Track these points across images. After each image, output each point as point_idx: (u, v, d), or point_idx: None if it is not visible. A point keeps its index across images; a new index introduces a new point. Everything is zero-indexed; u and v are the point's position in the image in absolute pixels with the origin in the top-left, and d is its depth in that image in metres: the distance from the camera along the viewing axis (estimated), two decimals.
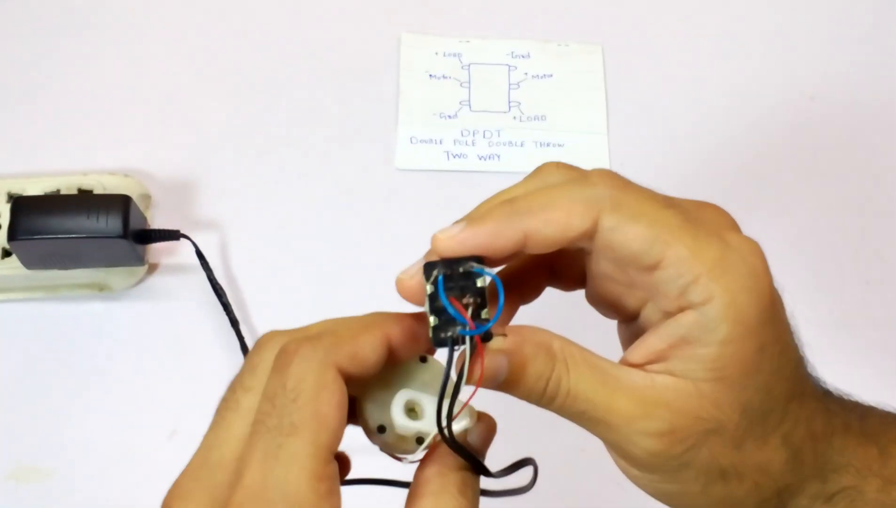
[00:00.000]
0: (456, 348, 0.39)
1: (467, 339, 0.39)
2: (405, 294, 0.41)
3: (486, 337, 0.39)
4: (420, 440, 0.40)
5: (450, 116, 0.91)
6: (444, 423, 0.38)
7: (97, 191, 0.81)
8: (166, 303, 0.81)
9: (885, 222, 0.87)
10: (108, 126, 0.88)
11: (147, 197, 0.83)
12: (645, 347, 0.42)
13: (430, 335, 0.39)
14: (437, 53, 0.93)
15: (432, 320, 0.39)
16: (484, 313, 0.39)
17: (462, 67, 0.93)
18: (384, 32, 0.93)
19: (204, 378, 0.78)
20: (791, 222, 0.86)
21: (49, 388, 0.78)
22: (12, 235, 0.74)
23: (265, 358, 0.39)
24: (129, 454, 0.75)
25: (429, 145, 0.90)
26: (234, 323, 0.79)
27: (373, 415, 0.41)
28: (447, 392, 0.38)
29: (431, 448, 0.41)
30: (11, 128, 0.87)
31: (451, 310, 0.38)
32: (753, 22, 0.96)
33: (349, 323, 0.40)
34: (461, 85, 0.92)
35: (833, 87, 0.93)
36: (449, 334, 0.39)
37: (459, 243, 0.40)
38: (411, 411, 0.40)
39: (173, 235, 0.79)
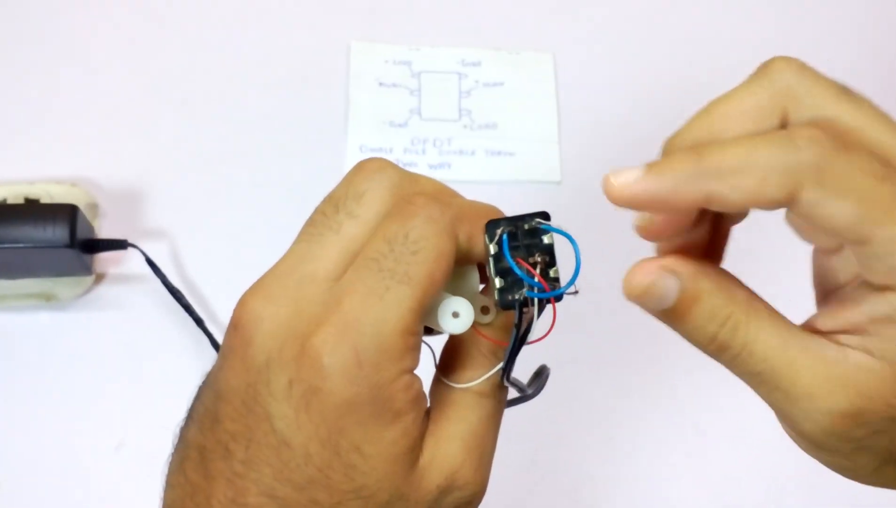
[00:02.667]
0: (525, 310, 0.37)
1: (535, 301, 0.38)
2: (620, 201, 0.38)
3: (557, 299, 0.38)
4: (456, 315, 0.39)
5: (400, 125, 0.91)
6: (507, 380, 0.39)
7: (44, 200, 0.80)
8: (114, 313, 0.80)
9: None
10: (56, 135, 0.87)
11: (94, 206, 0.82)
12: (842, 316, 0.38)
13: (497, 297, 0.38)
14: (386, 62, 0.93)
15: (498, 281, 0.38)
16: (552, 272, 0.38)
17: (412, 76, 0.93)
18: (334, 41, 0.93)
19: (152, 388, 0.77)
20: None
21: None
22: None
23: (374, 188, 0.39)
24: (75, 466, 0.74)
25: (379, 154, 0.89)
26: (199, 322, 0.79)
27: None
28: (513, 355, 0.38)
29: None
30: None
31: (517, 271, 0.37)
32: (706, 30, 0.97)
33: (470, 204, 0.40)
34: (411, 93, 0.92)
35: None
36: (516, 296, 0.38)
37: (633, 194, 0.37)
38: (454, 314, 0.39)
39: (121, 244, 0.78)
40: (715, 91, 0.48)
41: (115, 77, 0.90)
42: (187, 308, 0.79)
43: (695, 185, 0.36)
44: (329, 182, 0.84)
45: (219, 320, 0.80)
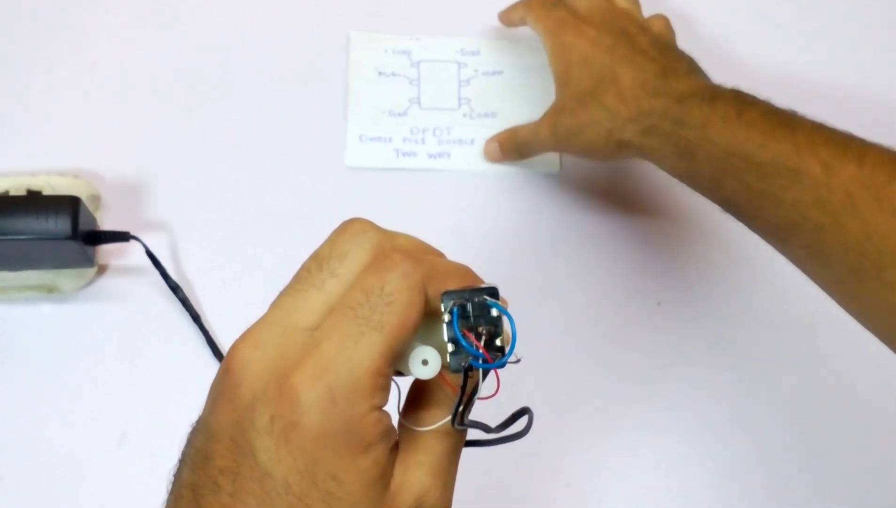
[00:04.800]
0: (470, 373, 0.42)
1: (479, 370, 0.42)
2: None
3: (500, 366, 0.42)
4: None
5: (399, 114, 0.91)
6: (457, 425, 0.43)
7: (46, 192, 0.80)
8: (116, 305, 0.80)
9: None
10: (58, 127, 0.87)
11: (97, 198, 0.82)
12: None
13: (448, 360, 0.42)
14: (386, 51, 0.93)
15: (449, 347, 0.42)
16: (499, 341, 0.42)
17: (412, 65, 0.92)
18: (333, 31, 0.93)
19: (154, 381, 0.78)
20: None
21: None
22: None
23: (355, 250, 0.43)
24: (78, 459, 0.75)
25: (378, 143, 0.89)
26: (196, 318, 0.79)
27: None
28: (460, 409, 0.42)
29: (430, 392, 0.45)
30: None
31: (462, 342, 0.41)
32: (704, 20, 0.97)
33: (442, 263, 0.44)
34: (410, 83, 0.92)
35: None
36: (462, 364, 0.41)
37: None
38: (423, 361, 0.43)
39: (123, 236, 0.78)
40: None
41: (118, 69, 0.90)
42: (185, 303, 0.79)
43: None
44: (329, 174, 0.86)
45: (216, 315, 0.80)
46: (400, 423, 0.45)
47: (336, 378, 0.39)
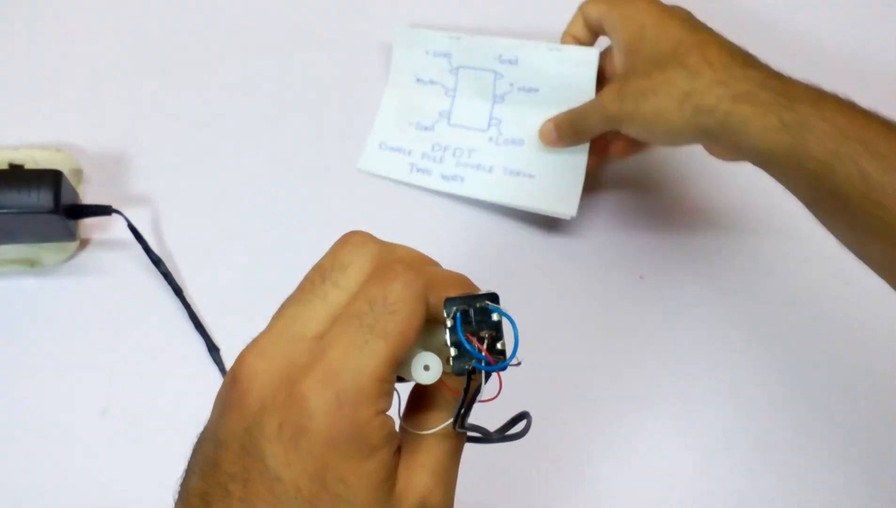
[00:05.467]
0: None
1: (482, 372, 0.43)
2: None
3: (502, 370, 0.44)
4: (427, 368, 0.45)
5: (426, 128, 0.88)
6: (457, 428, 0.44)
7: (28, 166, 0.80)
8: (98, 278, 0.80)
9: None
10: (40, 100, 0.87)
11: (79, 172, 0.82)
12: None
13: (451, 363, 0.43)
14: (427, 53, 0.89)
15: (453, 351, 0.43)
16: (500, 345, 0.44)
17: (450, 71, 0.88)
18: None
19: (136, 354, 0.78)
20: None
21: None
22: None
23: (357, 262, 0.44)
24: (61, 432, 0.75)
25: (397, 154, 0.88)
26: (178, 291, 0.79)
27: None
28: (463, 410, 0.44)
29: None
30: None
31: (466, 345, 0.43)
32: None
33: (441, 272, 0.45)
34: (446, 93, 0.89)
35: None
36: (466, 366, 0.43)
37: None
38: (425, 367, 0.44)
39: (105, 210, 0.79)
40: None
41: (100, 42, 0.90)
42: (167, 276, 0.79)
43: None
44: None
45: (198, 288, 0.81)
46: (401, 427, 0.46)
47: (343, 384, 0.41)
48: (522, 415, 0.46)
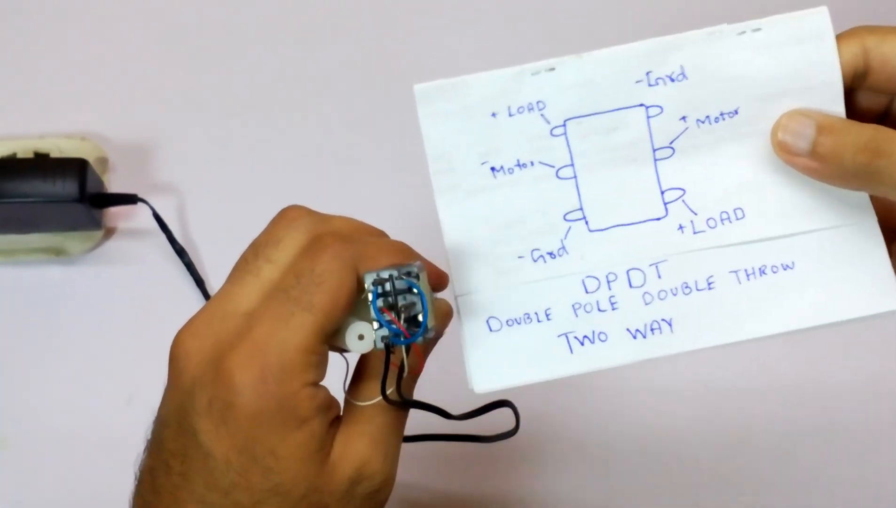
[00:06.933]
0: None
1: (402, 345, 0.44)
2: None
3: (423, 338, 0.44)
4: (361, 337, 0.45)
5: (551, 255, 0.50)
6: (389, 398, 0.45)
7: (54, 154, 0.80)
8: (123, 267, 0.80)
9: None
10: (66, 89, 0.87)
11: (104, 160, 0.83)
12: None
13: (374, 336, 0.44)
14: (492, 115, 0.49)
15: (374, 324, 0.43)
16: (420, 317, 0.44)
17: (551, 133, 0.50)
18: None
19: (161, 342, 0.78)
20: None
21: (5, 354, 0.78)
22: None
23: (291, 235, 0.45)
24: (87, 420, 0.75)
25: (526, 330, 0.50)
26: (200, 282, 0.79)
27: None
28: (388, 380, 0.44)
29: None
30: None
31: (378, 317, 0.43)
32: None
33: (377, 242, 0.45)
34: (556, 174, 0.50)
35: None
36: (383, 339, 0.43)
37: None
38: (359, 336, 0.45)
39: (130, 199, 0.79)
40: None
41: (126, 29, 0.89)
42: (189, 267, 0.79)
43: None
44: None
45: (220, 279, 0.80)
46: (346, 398, 0.46)
47: (267, 358, 0.42)
48: (501, 403, 0.47)
